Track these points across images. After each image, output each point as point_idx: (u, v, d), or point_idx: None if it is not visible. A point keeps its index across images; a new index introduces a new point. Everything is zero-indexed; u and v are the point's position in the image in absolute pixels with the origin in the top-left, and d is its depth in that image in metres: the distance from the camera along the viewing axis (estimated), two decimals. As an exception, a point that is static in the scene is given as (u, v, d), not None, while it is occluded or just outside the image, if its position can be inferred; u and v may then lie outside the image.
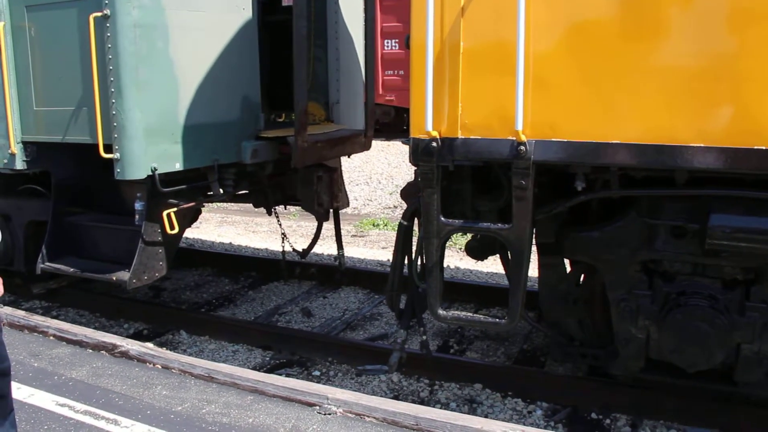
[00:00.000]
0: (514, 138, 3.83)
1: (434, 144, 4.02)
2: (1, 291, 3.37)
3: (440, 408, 4.88)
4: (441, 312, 4.46)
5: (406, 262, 4.94)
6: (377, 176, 13.89)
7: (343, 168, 7.37)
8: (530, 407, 4.97)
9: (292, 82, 5.48)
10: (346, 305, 7.23)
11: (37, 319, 6.07)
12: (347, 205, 7.42)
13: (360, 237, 10.43)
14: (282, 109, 7.55)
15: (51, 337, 5.73)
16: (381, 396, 5.09)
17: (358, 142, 6.85)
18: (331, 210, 7.13)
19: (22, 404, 4.45)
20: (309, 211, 7.01)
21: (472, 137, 3.98)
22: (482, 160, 4.10)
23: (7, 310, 6.21)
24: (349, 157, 7.11)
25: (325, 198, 6.78)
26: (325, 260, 8.61)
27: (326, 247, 9.09)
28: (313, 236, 7.41)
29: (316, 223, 7.36)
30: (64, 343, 5.62)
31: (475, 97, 3.94)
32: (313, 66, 6.84)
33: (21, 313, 6.32)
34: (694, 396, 4.66)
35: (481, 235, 4.88)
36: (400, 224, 4.91)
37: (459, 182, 4.40)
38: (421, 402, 5.07)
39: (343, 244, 7.53)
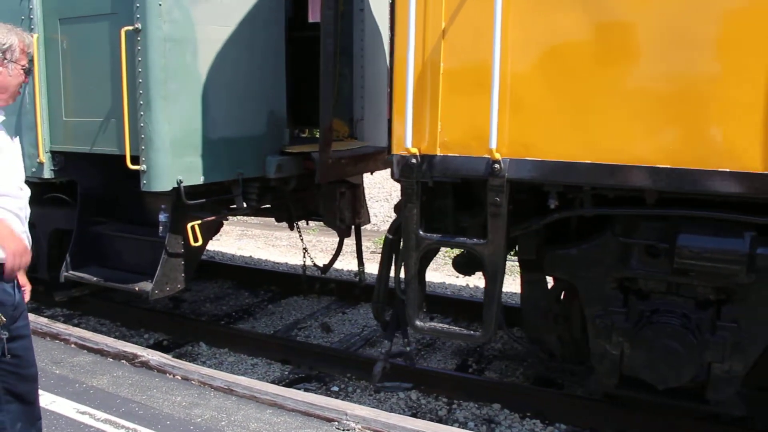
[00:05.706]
0: (489, 156, 3.90)
1: (414, 161, 4.14)
2: (26, 298, 3.42)
3: (458, 427, 4.86)
4: (418, 323, 4.55)
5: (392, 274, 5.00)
6: (397, 193, 13.82)
7: (363, 184, 7.40)
8: (548, 428, 4.94)
9: (317, 97, 5.52)
10: (365, 321, 7.23)
11: (60, 327, 6.13)
12: (368, 221, 7.45)
13: (379, 253, 10.42)
14: (305, 125, 7.59)
15: (73, 345, 5.79)
16: (399, 413, 5.08)
17: (381, 160, 6.88)
18: (353, 226, 7.16)
19: (44, 411, 4.44)
20: (330, 226, 7.03)
21: (450, 155, 4.09)
22: (460, 177, 4.20)
23: (30, 317, 6.25)
24: (372, 174, 7.15)
25: (347, 214, 6.81)
26: (345, 276, 8.62)
27: (346, 263, 9.10)
28: (334, 252, 7.44)
29: (335, 239, 7.39)
30: (86, 351, 5.67)
31: (454, 116, 4.05)
32: (338, 83, 6.89)
33: (43, 320, 6.39)
34: (712, 421, 4.62)
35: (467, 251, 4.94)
36: (385, 237, 5.06)
37: (442, 198, 4.51)
38: (440, 420, 5.06)
39: (364, 260, 7.55)
